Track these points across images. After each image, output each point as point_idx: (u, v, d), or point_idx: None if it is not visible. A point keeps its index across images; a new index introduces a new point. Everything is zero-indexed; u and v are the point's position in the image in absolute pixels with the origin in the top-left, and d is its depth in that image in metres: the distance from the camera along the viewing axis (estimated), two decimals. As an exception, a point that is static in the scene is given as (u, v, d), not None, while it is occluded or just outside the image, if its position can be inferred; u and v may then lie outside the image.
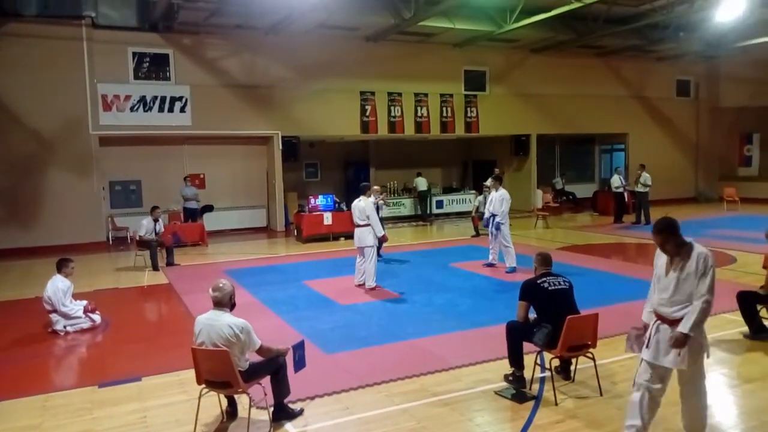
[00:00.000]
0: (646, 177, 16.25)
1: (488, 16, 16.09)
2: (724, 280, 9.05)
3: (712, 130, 23.90)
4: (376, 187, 12.37)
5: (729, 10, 14.14)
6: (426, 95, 18.54)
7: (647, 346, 3.92)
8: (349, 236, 14.87)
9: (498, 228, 10.17)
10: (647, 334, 3.97)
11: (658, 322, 3.91)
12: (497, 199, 10.27)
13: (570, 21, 17.04)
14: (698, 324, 3.69)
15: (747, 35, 18.32)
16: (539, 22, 15.42)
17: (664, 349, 3.80)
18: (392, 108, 18.07)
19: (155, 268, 11.25)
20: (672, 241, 3.88)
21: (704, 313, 3.67)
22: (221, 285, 4.39)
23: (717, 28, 17.20)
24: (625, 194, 16.71)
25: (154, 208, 11.97)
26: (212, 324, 4.30)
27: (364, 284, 9.14)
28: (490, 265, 10.51)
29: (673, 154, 23.09)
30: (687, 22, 17.90)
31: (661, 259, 4.03)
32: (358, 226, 9.08)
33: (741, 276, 9.33)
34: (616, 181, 16.99)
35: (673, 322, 3.78)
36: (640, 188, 16.29)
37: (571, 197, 22.16)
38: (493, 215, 10.24)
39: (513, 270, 10.06)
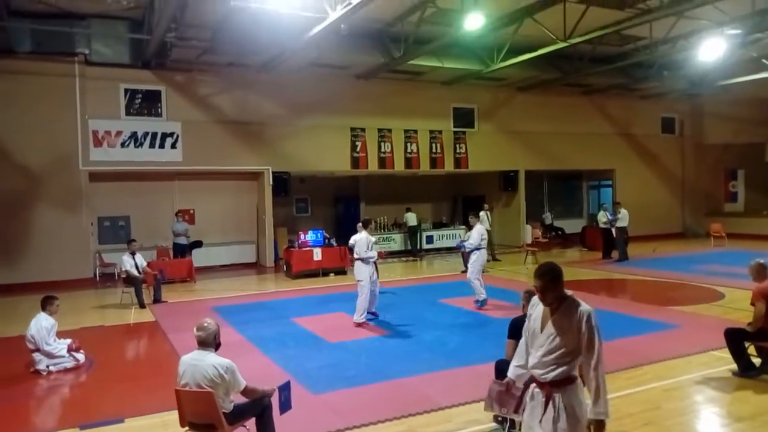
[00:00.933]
0: (623, 213, 16.38)
1: (476, 56, 16.43)
2: (712, 316, 9.10)
3: (698, 166, 24.28)
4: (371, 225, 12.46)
5: (710, 51, 14.54)
6: (416, 131, 18.77)
7: (522, 409, 3.55)
8: (339, 272, 14.95)
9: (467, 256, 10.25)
10: (525, 395, 3.57)
11: (534, 385, 3.44)
12: (474, 231, 10.37)
13: (555, 60, 17.43)
14: (606, 400, 3.18)
15: (729, 74, 18.78)
16: (525, 62, 15.75)
17: (538, 417, 3.32)
18: (382, 144, 18.25)
19: (141, 305, 11.10)
20: (552, 290, 3.32)
21: (605, 383, 3.19)
22: (206, 324, 4.34)
23: (699, 67, 17.64)
24: (613, 230, 16.78)
25: (130, 241, 11.91)
26: (196, 364, 4.23)
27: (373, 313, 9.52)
28: (483, 302, 10.41)
29: (659, 190, 23.38)
30: (670, 62, 18.37)
31: (536, 310, 3.46)
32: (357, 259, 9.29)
33: (729, 312, 9.35)
34: (603, 216, 17.13)
35: (544, 386, 3.31)
36: (618, 224, 16.43)
37: (559, 232, 22.30)
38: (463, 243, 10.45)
39: (482, 304, 10.05)
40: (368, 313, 9.45)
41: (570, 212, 24.06)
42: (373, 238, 9.64)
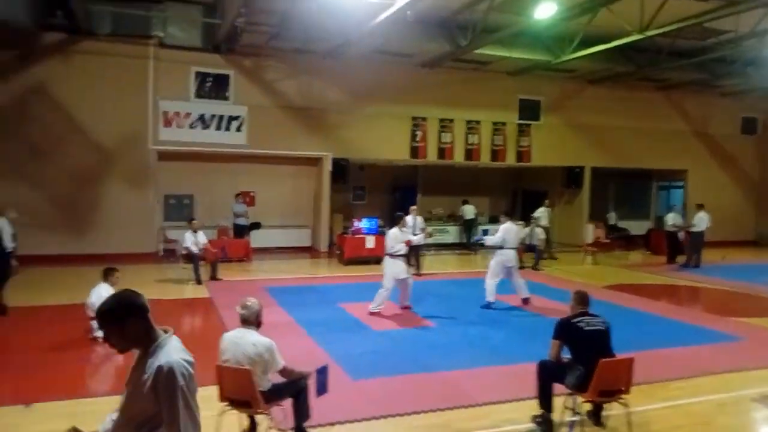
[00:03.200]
0: (699, 217, 15.50)
1: (545, 46, 15.93)
2: (785, 334, 8.52)
3: (779, 171, 22.75)
4: (413, 207, 12.52)
5: (800, 47, 13.54)
6: (478, 122, 18.46)
7: None
8: (391, 261, 14.95)
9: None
10: None
11: None
12: (499, 229, 10.09)
13: (630, 53, 16.67)
14: None
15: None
16: (598, 53, 15.12)
17: None
18: (443, 134, 18.06)
19: (198, 281, 11.50)
20: (115, 331, 2.35)
21: None
22: (249, 303, 4.42)
23: (788, 65, 16.44)
24: (680, 234, 15.97)
25: (190, 219, 12.28)
26: (237, 342, 4.33)
27: (406, 306, 9.45)
28: (525, 300, 10.16)
29: (734, 194, 22.06)
30: (756, 57, 17.16)
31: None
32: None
33: (803, 329, 8.74)
34: (670, 219, 16.32)
35: None
36: (693, 228, 15.56)
37: (624, 234, 21.42)
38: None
39: (486, 306, 9.73)
40: (401, 307, 9.44)
41: (636, 213, 23.02)
42: (402, 234, 9.44)
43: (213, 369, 4.45)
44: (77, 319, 8.10)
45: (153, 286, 11.35)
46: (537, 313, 9.49)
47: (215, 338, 6.39)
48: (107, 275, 7.65)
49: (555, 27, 14.22)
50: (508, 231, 9.98)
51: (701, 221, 15.39)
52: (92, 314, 7.41)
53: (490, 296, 9.86)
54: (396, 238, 9.32)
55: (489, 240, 10.26)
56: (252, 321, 4.43)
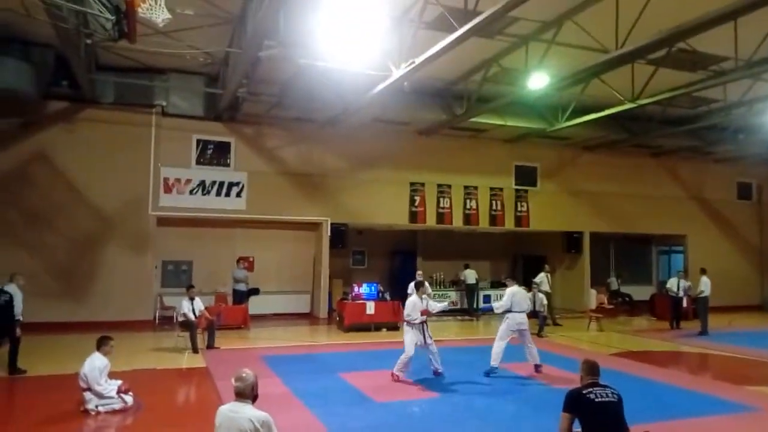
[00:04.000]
0: (704, 282, 15.35)
1: (539, 115, 16.30)
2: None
3: (778, 235, 22.80)
4: (419, 272, 12.50)
5: (790, 114, 13.86)
6: (476, 188, 18.62)
7: None
8: (391, 327, 14.69)
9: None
10: None
11: None
12: (505, 293, 10.05)
13: (623, 121, 17.05)
14: None
15: (811, 139, 17.76)
16: (591, 121, 15.44)
17: None
18: (441, 199, 18.19)
19: (195, 350, 11.22)
20: None
21: None
22: (244, 375, 4.25)
23: (779, 132, 16.77)
24: (684, 299, 15.79)
25: (189, 287, 12.12)
26: (233, 417, 4.12)
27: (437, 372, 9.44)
28: (537, 367, 9.92)
29: (735, 259, 22.01)
30: (746, 124, 17.55)
31: None
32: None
33: (817, 398, 8.46)
34: (676, 284, 16.20)
35: None
36: (702, 294, 15.37)
37: (627, 299, 21.19)
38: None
39: (487, 373, 9.51)
40: (434, 373, 9.41)
41: (638, 278, 22.88)
42: (423, 302, 9.41)
43: (208, 445, 4.23)
44: (69, 389, 7.82)
45: (148, 355, 11.06)
46: (545, 383, 9.20)
47: (210, 411, 6.15)
48: (101, 344, 7.46)
49: (548, 97, 14.62)
50: (514, 294, 9.91)
51: (706, 286, 15.22)
52: (84, 385, 7.18)
53: (495, 361, 9.62)
54: (414, 306, 9.31)
55: (497, 306, 10.13)
56: (247, 394, 4.24)
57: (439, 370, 9.47)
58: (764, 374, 10.37)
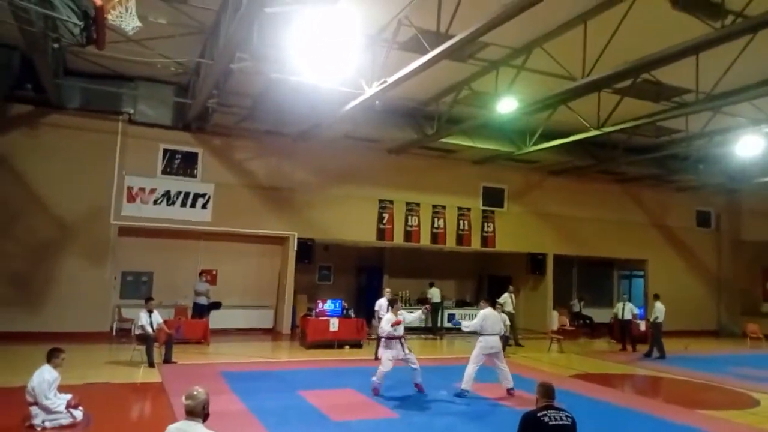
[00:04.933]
0: (658, 308, 15.71)
1: (508, 138, 16.57)
2: (745, 425, 8.44)
3: (735, 263, 23.49)
4: (387, 289, 12.67)
5: (747, 147, 14.35)
6: (444, 207, 18.75)
7: None
8: (354, 345, 14.59)
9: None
10: None
11: None
12: (478, 315, 10.11)
13: (589, 147, 17.43)
14: None
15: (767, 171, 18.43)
16: (558, 146, 15.77)
17: None
18: (409, 217, 18.25)
19: (151, 364, 10.93)
20: None
21: None
22: (195, 393, 4.15)
23: (737, 163, 17.36)
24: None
25: (148, 299, 11.88)
26: (182, 436, 4.03)
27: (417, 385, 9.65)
28: (509, 390, 9.80)
29: (694, 285, 22.59)
30: (707, 155, 18.16)
31: None
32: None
33: (764, 421, 8.69)
34: (619, 308, 17.02)
35: None
36: (657, 320, 15.73)
37: (587, 321, 21.52)
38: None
39: (458, 395, 9.53)
40: (416, 387, 9.61)
41: (600, 301, 23.25)
42: (395, 318, 9.58)
43: (155, 465, 4.11)
44: (15, 403, 7.53)
45: (102, 369, 10.74)
46: (503, 404, 9.23)
47: (162, 428, 6.01)
48: (51, 356, 7.21)
49: (517, 121, 14.88)
50: (486, 317, 9.89)
51: (660, 312, 15.59)
52: (32, 399, 6.92)
53: (466, 384, 9.60)
54: (389, 321, 9.54)
55: (466, 326, 10.13)
56: (198, 412, 4.14)
57: (421, 386, 9.61)
58: (716, 399, 10.60)
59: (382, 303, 13.11)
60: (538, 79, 12.02)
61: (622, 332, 17.02)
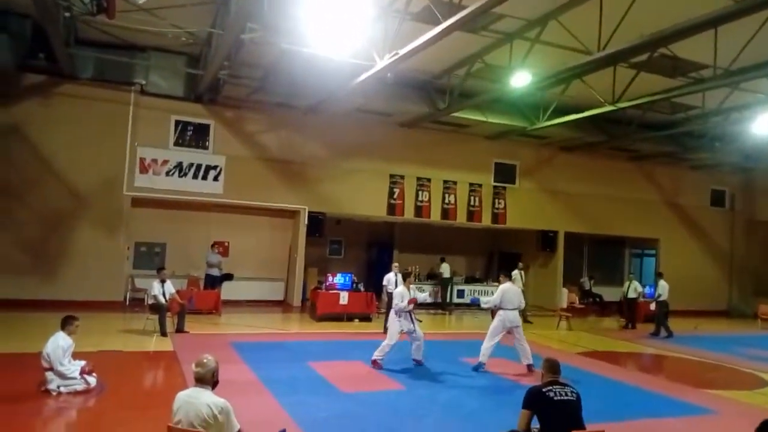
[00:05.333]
0: (662, 286, 15.70)
1: (521, 113, 16.38)
2: (753, 405, 8.45)
3: (748, 244, 23.28)
4: (395, 264, 13.43)
5: (764, 124, 14.10)
6: (455, 183, 18.67)
7: None
8: (364, 318, 14.72)
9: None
10: None
11: None
12: (497, 290, 10.05)
13: (603, 123, 17.22)
14: None
15: (785, 150, 18.14)
16: (571, 122, 15.59)
17: None
18: (420, 193, 18.21)
19: (163, 333, 11.11)
20: None
21: None
22: (204, 360, 4.22)
23: (754, 141, 17.07)
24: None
25: (160, 269, 12.01)
26: (191, 402, 4.11)
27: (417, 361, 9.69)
28: (529, 367, 9.76)
29: (705, 264, 22.45)
30: (723, 133, 17.88)
31: None
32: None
33: (773, 402, 8.68)
34: (625, 287, 17.10)
35: None
36: (660, 298, 15.73)
37: (597, 299, 21.51)
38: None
39: (475, 368, 9.58)
40: (413, 360, 9.67)
41: (610, 279, 23.17)
42: (411, 292, 9.67)
43: (165, 429, 4.19)
44: (32, 369, 7.69)
45: (116, 337, 10.93)
46: (510, 379, 9.29)
47: (174, 395, 6.14)
48: (65, 324, 7.33)
49: (530, 95, 14.70)
50: (506, 291, 9.78)
51: (664, 290, 15.56)
52: (47, 365, 7.06)
53: (484, 357, 9.63)
54: (403, 296, 9.53)
55: (485, 302, 10.06)
56: (207, 380, 4.22)
57: (421, 361, 9.66)
58: (723, 378, 10.59)
59: (390, 278, 13.15)
60: (552, 53, 11.83)
61: (627, 310, 17.04)
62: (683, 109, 15.97)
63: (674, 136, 18.04)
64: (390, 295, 12.78)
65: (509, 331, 9.82)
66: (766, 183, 22.52)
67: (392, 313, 9.67)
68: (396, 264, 13.93)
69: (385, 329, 12.99)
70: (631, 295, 16.92)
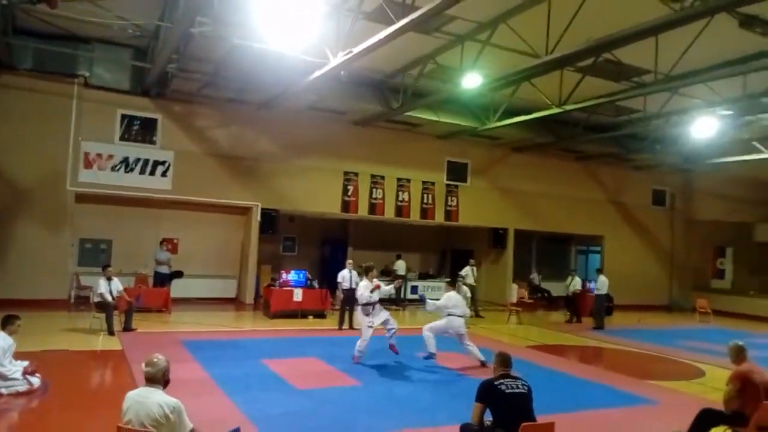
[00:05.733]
0: (600, 281, 16.41)
1: (472, 113, 16.67)
2: (691, 394, 8.89)
3: (687, 241, 24.39)
4: (350, 261, 13.64)
5: (703, 129, 14.80)
6: (408, 181, 18.84)
7: None
8: (318, 315, 14.69)
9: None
10: None
11: None
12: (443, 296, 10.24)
13: (551, 124, 17.70)
14: None
15: (721, 153, 19.04)
16: (521, 123, 15.97)
17: None
18: (374, 190, 18.28)
19: (110, 332, 10.80)
20: None
21: None
22: (155, 360, 4.16)
23: (692, 144, 17.87)
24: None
25: (105, 266, 11.67)
26: (142, 402, 4.04)
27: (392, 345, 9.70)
28: (483, 363, 9.70)
29: (648, 261, 23.40)
30: (663, 135, 18.67)
31: None
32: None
33: (709, 391, 9.13)
34: (572, 282, 17.65)
35: None
36: (597, 292, 16.51)
37: (545, 294, 22.13)
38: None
39: (427, 357, 9.78)
40: (389, 346, 9.71)
41: (558, 275, 23.78)
42: (372, 284, 9.78)
43: (113, 429, 4.11)
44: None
45: (60, 336, 10.58)
46: (462, 373, 9.47)
47: (122, 394, 6.00)
48: (5, 323, 7.06)
49: (481, 96, 14.97)
50: (450, 299, 9.91)
51: (602, 285, 16.23)
52: (-15, 368, 6.76)
53: (432, 347, 9.72)
54: (367, 287, 9.70)
55: (431, 305, 10.06)
56: (158, 379, 4.16)
57: (392, 343, 9.69)
58: (664, 369, 11.10)
59: (344, 274, 13.16)
60: (502, 55, 12.08)
61: (570, 305, 17.67)
62: (626, 112, 16.60)
63: (618, 138, 18.73)
64: (345, 292, 12.93)
65: (458, 337, 9.90)
66: (704, 184, 23.61)
67: (358, 310, 9.73)
68: (350, 261, 13.95)
69: (341, 327, 13.09)
70: (573, 289, 17.52)
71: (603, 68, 12.75)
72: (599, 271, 17.19)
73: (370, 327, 9.59)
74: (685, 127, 15.85)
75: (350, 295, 12.61)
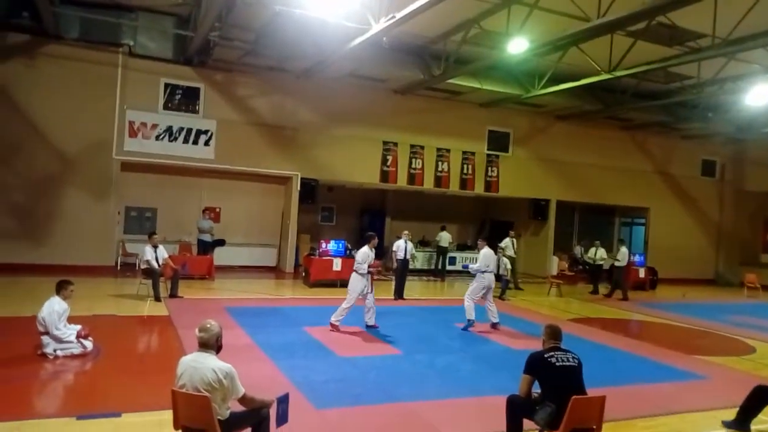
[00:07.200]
0: (622, 253, 16.19)
1: (516, 80, 16.22)
2: (742, 371, 8.63)
3: (736, 213, 23.53)
4: (406, 231, 13.87)
5: (759, 96, 14.08)
6: (448, 151, 18.57)
7: None
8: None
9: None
10: None
11: None
12: (480, 255, 10.56)
13: (598, 92, 17.11)
14: None
15: (777, 121, 18.18)
16: (567, 90, 15.48)
17: None
18: (413, 160, 18.10)
19: (157, 298, 11.08)
20: None
21: None
22: (208, 326, 4.19)
23: (746, 112, 17.09)
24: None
25: (151, 234, 11.89)
26: (196, 367, 4.08)
27: (372, 326, 9.71)
28: (494, 325, 10.32)
29: (694, 233, 22.70)
30: (716, 103, 17.87)
31: None
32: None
33: (760, 368, 8.88)
34: (592, 253, 17.38)
35: None
36: (617, 263, 16.25)
37: (587, 267, 21.70)
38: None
39: (468, 325, 10.07)
40: (367, 326, 9.72)
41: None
42: (372, 253, 9.78)
43: (168, 393, 4.18)
44: (26, 333, 7.66)
45: (109, 302, 10.90)
46: (504, 344, 9.41)
47: (171, 359, 6.16)
48: (60, 288, 7.26)
49: (526, 63, 14.52)
50: (486, 258, 10.37)
51: (623, 256, 16.02)
52: (42, 329, 7.01)
53: (471, 315, 10.09)
54: (365, 256, 9.60)
55: (474, 268, 10.51)
56: (211, 345, 4.19)
57: (373, 324, 9.74)
58: (713, 345, 10.81)
59: (400, 244, 13.51)
60: (550, 19, 11.64)
61: (593, 276, 17.41)
62: (678, 78, 15.89)
63: (668, 106, 18.01)
64: (399, 262, 13.35)
65: (484, 292, 10.28)
66: (757, 154, 22.64)
67: (354, 274, 9.65)
68: (406, 232, 14.03)
69: (396, 295, 13.22)
70: (599, 261, 17.22)
71: (656, 32, 12.19)
72: (621, 241, 16.84)
73: (355, 296, 9.46)
74: (740, 95, 15.11)
75: (404, 265, 13.39)
